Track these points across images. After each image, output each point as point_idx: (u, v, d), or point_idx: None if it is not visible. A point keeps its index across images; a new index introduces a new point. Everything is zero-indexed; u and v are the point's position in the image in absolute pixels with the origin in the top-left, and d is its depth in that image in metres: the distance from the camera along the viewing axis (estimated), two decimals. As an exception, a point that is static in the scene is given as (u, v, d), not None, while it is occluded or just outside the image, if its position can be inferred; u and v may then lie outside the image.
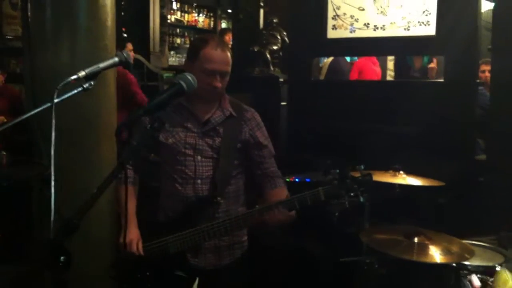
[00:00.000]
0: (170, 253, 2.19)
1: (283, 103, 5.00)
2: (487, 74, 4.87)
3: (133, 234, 2.23)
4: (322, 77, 6.02)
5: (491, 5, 4.38)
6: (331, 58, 6.22)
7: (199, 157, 2.24)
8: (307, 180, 3.70)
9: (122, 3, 5.82)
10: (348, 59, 6.79)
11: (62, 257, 1.29)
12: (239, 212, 2.26)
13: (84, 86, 1.63)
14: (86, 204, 1.45)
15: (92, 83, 1.66)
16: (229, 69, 2.22)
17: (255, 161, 2.32)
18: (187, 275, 2.24)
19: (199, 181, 2.24)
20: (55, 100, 1.55)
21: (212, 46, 2.17)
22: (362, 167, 2.04)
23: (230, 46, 7.47)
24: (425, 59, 5.89)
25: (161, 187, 2.35)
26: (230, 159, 2.26)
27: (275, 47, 5.34)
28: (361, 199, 1.98)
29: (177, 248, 2.19)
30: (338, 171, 1.99)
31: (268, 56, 5.23)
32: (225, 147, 2.25)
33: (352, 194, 1.98)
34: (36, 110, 1.61)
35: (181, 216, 2.23)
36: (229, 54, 2.22)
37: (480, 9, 4.23)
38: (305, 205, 2.02)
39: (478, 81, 4.43)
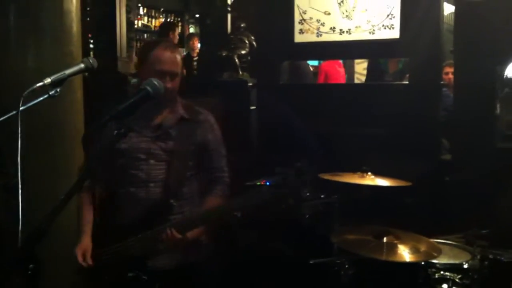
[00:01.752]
0: (127, 256, 2.20)
1: (252, 107, 5.01)
2: (451, 76, 4.98)
3: (83, 244, 2.24)
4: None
5: (452, 8, 4.48)
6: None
7: (152, 161, 2.26)
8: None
9: (88, 9, 5.74)
10: (316, 63, 6.87)
11: (31, 265, 1.28)
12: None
13: (50, 93, 1.62)
14: (54, 211, 1.44)
15: (58, 90, 1.64)
16: (179, 70, 2.24)
17: (204, 165, 2.35)
18: (148, 277, 2.23)
19: (152, 184, 2.25)
20: (21, 108, 1.54)
21: (161, 48, 2.20)
22: (302, 165, 2.06)
23: (197, 51, 7.48)
24: (400, 64, 5.97)
25: (116, 191, 2.34)
26: (184, 161, 2.28)
27: (243, 52, 5.36)
28: (307, 195, 2.01)
29: (134, 251, 2.20)
30: (279, 170, 2.04)
31: (237, 60, 5.24)
32: (178, 150, 2.26)
33: (295, 193, 2.06)
34: (1, 118, 1.59)
35: (136, 220, 2.23)
36: (178, 56, 2.25)
37: (443, 11, 4.33)
38: (249, 206, 2.07)
39: (442, 82, 4.52)
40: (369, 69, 6.42)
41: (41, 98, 1.62)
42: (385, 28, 4.28)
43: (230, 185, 2.39)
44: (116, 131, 1.60)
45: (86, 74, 3.85)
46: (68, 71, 1.69)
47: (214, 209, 2.17)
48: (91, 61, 1.76)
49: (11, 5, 3.39)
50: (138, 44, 9.19)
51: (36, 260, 1.32)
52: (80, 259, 2.19)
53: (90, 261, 2.21)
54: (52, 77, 1.63)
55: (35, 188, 2.91)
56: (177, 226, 2.13)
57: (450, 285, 2.52)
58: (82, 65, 1.74)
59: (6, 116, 1.59)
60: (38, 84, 1.59)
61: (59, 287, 2.92)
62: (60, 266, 3.05)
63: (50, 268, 1.54)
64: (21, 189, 1.61)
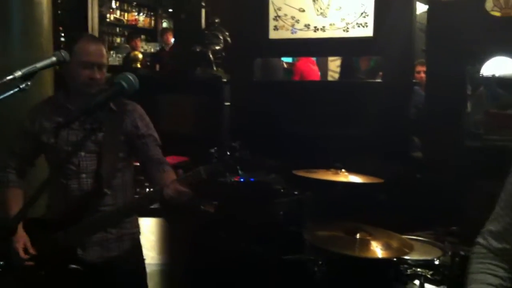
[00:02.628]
0: (60, 248, 2.21)
1: (226, 103, 4.99)
2: (422, 74, 5.04)
3: (20, 236, 2.19)
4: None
5: (425, 7, 4.53)
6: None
7: (82, 153, 2.26)
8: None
9: (59, 1, 5.65)
10: (290, 59, 6.87)
11: (1, 262, 1.25)
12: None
13: (21, 86, 1.58)
14: (21, 210, 1.40)
15: (29, 83, 1.61)
16: (105, 61, 2.25)
17: (140, 149, 2.35)
18: (81, 268, 2.25)
19: (83, 175, 2.27)
20: (-10, 101, 1.50)
21: (85, 40, 2.23)
22: (236, 144, 2.09)
23: (170, 46, 7.41)
24: (372, 62, 6.01)
25: (48, 185, 2.29)
26: (114, 152, 2.30)
27: (217, 47, 5.34)
28: (239, 173, 2.08)
29: (66, 242, 2.21)
30: (215, 149, 2.07)
31: (211, 56, 5.22)
32: (108, 140, 2.28)
33: (230, 169, 2.06)
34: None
35: (68, 211, 2.25)
36: (103, 48, 2.27)
37: (415, 11, 4.38)
38: (189, 183, 2.09)
39: (414, 81, 4.58)
40: (342, 66, 6.46)
41: (11, 92, 1.58)
42: (359, 26, 4.31)
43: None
44: (89, 126, 1.57)
45: (57, 67, 3.78)
46: (39, 64, 1.65)
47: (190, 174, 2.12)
48: (63, 54, 1.72)
49: (-21, -4, 3.31)
50: (110, 38, 9.08)
51: (5, 257, 1.29)
52: (21, 252, 2.15)
53: (32, 250, 2.19)
54: (23, 70, 1.59)
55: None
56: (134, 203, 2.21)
57: (422, 281, 2.54)
58: (53, 58, 1.71)
59: (-26, 110, 1.54)
60: (8, 77, 1.55)
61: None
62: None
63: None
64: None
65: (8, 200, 2.29)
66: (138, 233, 2.49)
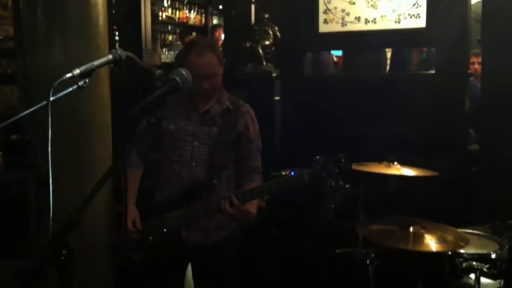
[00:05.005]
0: (167, 229, 2.39)
1: (276, 98, 5.00)
2: (477, 66, 4.90)
3: (132, 213, 2.44)
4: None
5: (480, -3, 4.41)
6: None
7: (196, 143, 2.45)
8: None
9: (113, 1, 5.79)
10: (340, 53, 6.77)
11: (64, 252, 1.31)
12: None
13: (79, 84, 1.64)
14: (84, 200, 1.46)
15: (87, 80, 1.67)
16: (215, 69, 2.40)
17: (242, 154, 2.53)
18: (183, 251, 2.43)
19: (194, 163, 2.44)
20: (51, 98, 1.56)
21: (195, 53, 2.36)
22: (340, 156, 2.21)
23: (221, 42, 7.47)
24: (424, 54, 5.88)
25: (159, 170, 2.52)
26: (225, 147, 2.46)
27: (267, 43, 5.34)
28: (341, 183, 2.18)
29: (173, 224, 2.39)
30: (320, 156, 2.19)
31: (261, 51, 5.23)
32: (221, 136, 2.45)
33: (332, 177, 2.18)
34: (31, 109, 1.62)
35: (178, 196, 2.43)
36: (213, 56, 2.39)
37: (470, 0, 4.26)
38: (292, 186, 2.26)
39: (469, 72, 4.46)
40: (392, 59, 6.34)
41: (70, 89, 1.64)
42: (411, 17, 4.23)
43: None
44: (147, 121, 1.65)
45: (112, 66, 3.88)
46: (96, 62, 1.71)
47: (270, 184, 2.31)
48: (119, 52, 1.77)
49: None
50: (163, 36, 9.24)
51: (68, 247, 1.35)
52: (129, 224, 2.39)
53: (140, 226, 2.41)
54: (81, 68, 1.65)
55: (65, 179, 2.96)
56: (238, 195, 2.29)
57: (477, 274, 2.49)
58: (110, 56, 1.76)
59: (36, 107, 1.61)
60: (68, 75, 1.62)
61: (85, 277, 2.98)
62: (88, 255, 3.12)
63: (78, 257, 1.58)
64: (51, 179, 1.63)
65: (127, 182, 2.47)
66: (235, 224, 2.60)
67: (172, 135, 2.46)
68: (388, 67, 5.79)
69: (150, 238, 2.41)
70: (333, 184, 2.18)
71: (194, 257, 2.53)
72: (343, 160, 2.18)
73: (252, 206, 2.35)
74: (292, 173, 3.66)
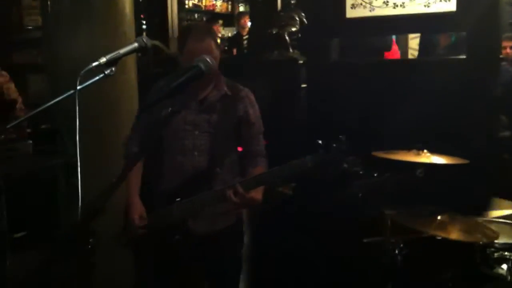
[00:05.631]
0: (173, 219, 2.38)
1: (303, 85, 4.97)
2: (509, 50, 4.78)
3: (136, 206, 2.43)
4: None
5: (513, -21, 4.29)
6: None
7: (196, 132, 2.43)
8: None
9: (139, -11, 5.82)
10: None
11: (91, 239, 1.32)
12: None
13: (106, 72, 1.64)
14: (108, 190, 1.47)
15: (113, 69, 1.67)
16: (214, 54, 2.30)
17: (243, 138, 2.51)
18: (189, 241, 2.40)
19: (196, 153, 2.42)
20: (78, 87, 1.57)
21: (193, 39, 2.32)
22: (343, 138, 2.17)
23: (247, 29, 7.44)
24: (453, 37, 5.76)
25: (162, 160, 2.50)
26: (226, 133, 2.45)
27: (293, 29, 5.29)
28: (345, 166, 2.15)
29: (180, 214, 2.37)
30: (322, 140, 2.16)
31: (287, 38, 5.18)
32: (221, 122, 2.43)
33: (336, 161, 2.15)
34: (59, 98, 1.63)
35: (181, 186, 2.40)
36: (212, 41, 2.35)
37: (502, -17, 4.15)
38: (294, 172, 2.21)
39: (500, 56, 4.34)
40: (421, 43, 6.23)
41: (97, 78, 1.64)
42: (440, 0, 4.13)
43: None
44: (170, 109, 1.64)
45: (139, 54, 3.90)
46: (122, 50, 1.71)
47: (272, 171, 2.28)
48: (144, 40, 1.77)
49: (64, -12, 3.46)
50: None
51: (95, 234, 1.36)
52: (137, 221, 2.37)
53: (147, 221, 2.39)
54: (107, 56, 1.65)
55: (92, 166, 2.98)
56: (242, 183, 2.26)
57: (510, 265, 2.44)
58: (135, 44, 1.75)
59: (64, 96, 1.62)
60: (94, 64, 1.62)
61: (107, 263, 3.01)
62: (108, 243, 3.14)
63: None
64: (80, 167, 1.64)
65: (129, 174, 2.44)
66: (242, 210, 2.60)
67: (173, 125, 2.43)
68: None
69: (174, 236, 2.39)
70: (344, 167, 2.14)
71: (201, 246, 2.48)
72: (344, 142, 2.15)
73: (257, 193, 2.32)
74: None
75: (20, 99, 4.65)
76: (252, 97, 2.52)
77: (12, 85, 4.70)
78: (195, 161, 2.41)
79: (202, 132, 2.42)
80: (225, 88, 2.47)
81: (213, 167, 2.40)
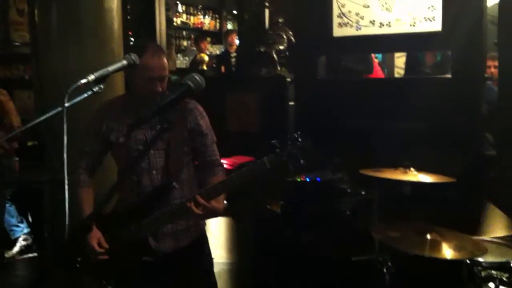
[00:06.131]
0: (135, 241, 2.31)
1: (290, 103, 4.99)
2: (493, 69, 4.84)
3: (93, 234, 2.29)
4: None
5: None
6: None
7: (152, 151, 2.37)
8: (318, 179, 3.69)
9: (128, 6, 5.83)
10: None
11: (79, 259, 1.31)
12: None
13: (94, 89, 1.64)
14: (96, 208, 1.46)
15: (101, 86, 1.67)
16: (167, 72, 2.32)
17: (198, 150, 2.48)
18: (154, 260, 2.35)
19: (154, 172, 2.38)
20: (66, 104, 1.56)
21: (149, 55, 2.25)
22: (297, 135, 2.21)
23: (235, 47, 7.49)
24: (438, 56, 5.83)
25: (119, 181, 2.42)
26: (180, 148, 2.41)
27: (281, 47, 5.34)
28: (301, 162, 2.16)
29: (140, 235, 2.32)
30: (277, 140, 2.18)
31: (275, 55, 5.22)
32: (174, 137, 2.38)
33: (293, 158, 2.16)
34: (47, 115, 1.62)
35: (139, 206, 2.35)
36: (165, 59, 2.32)
37: (486, 3, 4.22)
38: (254, 175, 2.21)
39: (485, 76, 4.40)
40: (407, 62, 6.30)
41: (85, 95, 1.64)
42: (426, 20, 4.19)
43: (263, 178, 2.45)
44: (160, 126, 1.63)
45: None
46: (111, 68, 1.72)
47: (231, 177, 2.26)
48: (133, 57, 1.78)
49: (53, 4, 3.46)
50: (177, 41, 9.28)
51: (84, 253, 1.34)
52: (96, 247, 2.26)
53: (106, 245, 2.30)
54: (96, 74, 1.65)
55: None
56: (202, 193, 2.24)
57: (497, 283, 2.44)
58: (124, 62, 1.76)
59: (52, 113, 1.62)
60: (82, 81, 1.62)
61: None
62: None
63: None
64: (67, 184, 1.64)
65: (81, 200, 2.40)
66: (204, 224, 2.57)
67: (124, 147, 2.38)
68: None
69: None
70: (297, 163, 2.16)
71: (170, 265, 2.42)
72: (299, 139, 2.18)
73: (219, 202, 2.31)
74: (307, 179, 3.64)
75: (18, 120, 4.63)
76: (201, 108, 2.49)
77: (11, 104, 4.70)
78: (152, 180, 2.37)
79: (157, 149, 2.37)
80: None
81: (170, 183, 2.36)
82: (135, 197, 2.37)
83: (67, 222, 1.42)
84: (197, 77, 1.80)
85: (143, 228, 2.31)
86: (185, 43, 9.55)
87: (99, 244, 2.27)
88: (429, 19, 4.19)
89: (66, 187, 1.59)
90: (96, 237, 2.28)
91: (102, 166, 2.54)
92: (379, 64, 6.65)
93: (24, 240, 5.00)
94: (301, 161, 2.16)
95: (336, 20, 4.54)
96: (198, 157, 2.49)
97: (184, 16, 9.51)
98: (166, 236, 2.39)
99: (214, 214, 2.35)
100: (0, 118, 4.56)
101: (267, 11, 5.76)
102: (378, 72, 6.48)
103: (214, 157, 2.50)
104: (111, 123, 2.38)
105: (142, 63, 2.19)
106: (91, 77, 1.64)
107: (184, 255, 2.43)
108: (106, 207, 2.36)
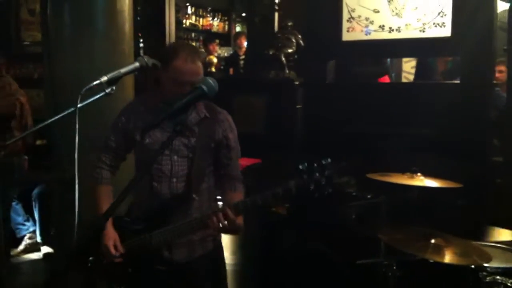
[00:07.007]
0: (149, 249, 2.26)
1: (298, 106, 5.00)
2: (503, 74, 4.84)
3: (110, 235, 2.28)
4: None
5: (506, 6, 4.35)
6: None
7: (175, 157, 2.31)
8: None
9: (138, 8, 5.86)
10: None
11: (90, 258, 1.33)
12: (212, 208, 2.33)
13: (107, 91, 1.67)
14: (110, 208, 1.48)
15: (114, 88, 1.69)
16: (199, 76, 2.22)
17: (222, 162, 2.41)
18: (165, 269, 2.31)
19: (174, 179, 2.32)
20: (79, 105, 1.59)
21: (182, 59, 2.19)
22: (326, 161, 2.11)
23: (244, 50, 7.50)
24: (450, 63, 5.83)
25: (137, 184, 2.31)
26: (204, 157, 2.35)
27: (290, 50, 5.33)
28: (330, 190, 2.07)
29: (156, 244, 2.26)
30: (306, 165, 2.08)
31: (283, 59, 5.22)
32: (200, 146, 2.32)
33: (321, 189, 2.06)
34: (60, 115, 1.65)
35: (156, 213, 2.30)
36: (199, 64, 2.25)
37: (496, 9, 4.22)
38: (279, 200, 2.14)
39: (494, 82, 4.41)
40: (417, 67, 6.30)
41: (98, 96, 1.67)
42: (436, 26, 4.20)
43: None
44: (174, 129, 1.64)
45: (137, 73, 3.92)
46: (123, 70, 1.74)
47: (255, 198, 2.17)
48: (146, 59, 1.80)
49: (65, 5, 3.50)
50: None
51: (95, 253, 1.37)
52: (112, 250, 2.23)
53: (122, 249, 2.26)
54: (108, 75, 1.68)
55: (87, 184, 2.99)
56: (232, 207, 2.17)
57: (502, 289, 2.45)
58: (137, 64, 1.79)
59: (65, 113, 1.64)
60: (95, 82, 1.65)
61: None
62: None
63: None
64: (77, 184, 1.66)
65: (100, 197, 2.39)
66: (220, 235, 2.50)
67: (148, 149, 2.30)
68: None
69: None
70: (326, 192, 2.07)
71: (183, 273, 2.37)
72: (328, 167, 2.07)
73: (240, 219, 2.23)
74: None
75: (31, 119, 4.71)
76: (231, 119, 2.44)
77: (28, 106, 4.79)
78: (171, 187, 2.31)
79: (181, 157, 2.31)
80: (204, 111, 2.37)
81: (190, 193, 2.30)
82: (151, 202, 2.32)
83: (76, 221, 1.44)
84: (210, 81, 1.81)
85: (158, 237, 2.25)
86: (194, 44, 9.57)
87: (115, 246, 2.24)
88: (438, 25, 4.20)
89: (76, 186, 1.61)
90: (112, 238, 2.26)
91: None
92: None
93: (29, 238, 5.05)
94: (328, 191, 2.07)
95: (345, 25, 4.55)
96: (220, 170, 2.43)
97: (194, 18, 9.54)
98: (180, 246, 2.34)
99: (237, 230, 2.27)
100: (18, 118, 4.63)
101: (276, 15, 5.77)
102: (385, 77, 6.49)
103: (236, 172, 2.44)
104: (138, 121, 2.34)
105: (174, 66, 2.18)
106: (104, 78, 1.67)
107: (198, 264, 2.38)
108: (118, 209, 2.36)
